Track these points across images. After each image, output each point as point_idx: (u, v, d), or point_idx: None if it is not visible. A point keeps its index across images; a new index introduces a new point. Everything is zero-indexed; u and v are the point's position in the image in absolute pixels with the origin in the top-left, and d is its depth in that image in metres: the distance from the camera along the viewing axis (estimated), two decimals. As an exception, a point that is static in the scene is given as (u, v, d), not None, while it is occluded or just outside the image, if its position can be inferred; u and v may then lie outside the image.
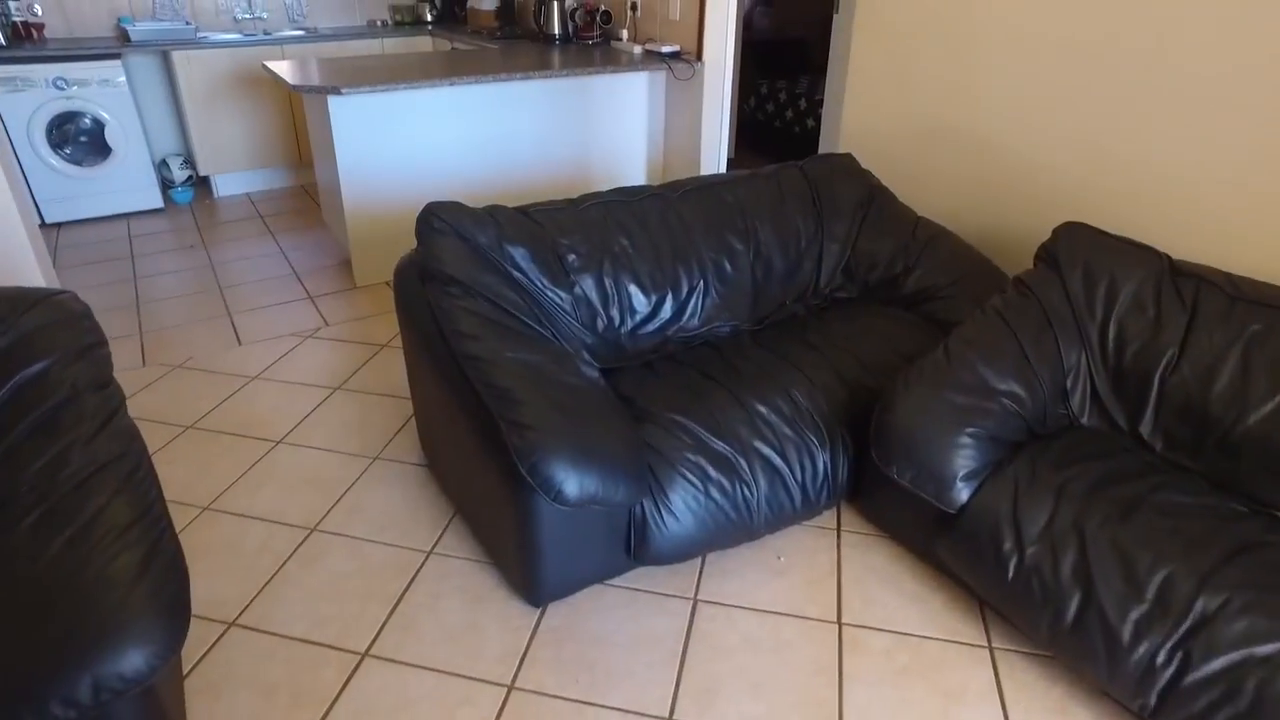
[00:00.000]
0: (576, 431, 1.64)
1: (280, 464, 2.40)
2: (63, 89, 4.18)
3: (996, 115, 2.65)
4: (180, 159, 4.98)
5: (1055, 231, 2.15)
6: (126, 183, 4.50)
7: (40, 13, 4.56)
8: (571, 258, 2.18)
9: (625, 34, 4.10)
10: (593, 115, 3.86)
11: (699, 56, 3.73)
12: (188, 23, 4.71)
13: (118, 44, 4.41)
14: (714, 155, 3.96)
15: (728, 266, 2.45)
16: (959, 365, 1.94)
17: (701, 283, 2.37)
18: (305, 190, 5.04)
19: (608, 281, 2.21)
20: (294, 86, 3.03)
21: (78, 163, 4.38)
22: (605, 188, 4.31)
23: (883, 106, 3.02)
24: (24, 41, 4.44)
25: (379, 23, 5.30)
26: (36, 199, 4.34)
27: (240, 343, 3.10)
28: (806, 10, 6.88)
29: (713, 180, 2.57)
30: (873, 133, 3.10)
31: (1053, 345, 1.99)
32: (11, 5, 4.43)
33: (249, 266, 3.84)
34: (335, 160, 3.30)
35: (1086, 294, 2.01)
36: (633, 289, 2.25)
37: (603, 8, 4.18)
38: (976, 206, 2.80)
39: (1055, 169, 2.55)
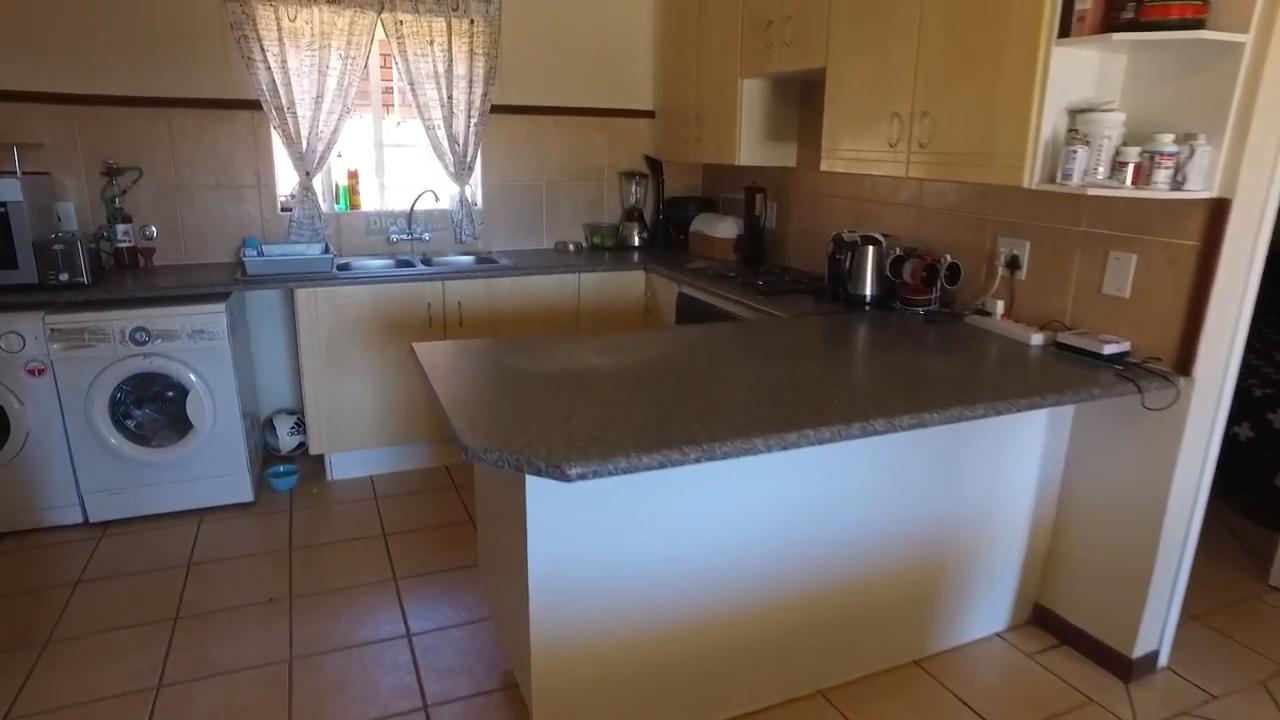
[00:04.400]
0: None
1: None
2: (142, 343, 2.92)
3: None
4: (292, 420, 3.64)
5: None
6: (206, 470, 3.12)
7: (155, 234, 3.45)
8: None
9: (998, 306, 2.48)
10: (952, 459, 2.18)
11: (1182, 369, 2.03)
12: (327, 249, 3.48)
13: (230, 278, 3.16)
14: (1181, 527, 2.17)
15: None
16: None
17: None
18: (450, 475, 3.56)
19: None
20: (472, 451, 1.47)
21: (144, 442, 3.05)
22: (960, 565, 2.37)
23: None
24: (126, 270, 3.31)
25: (571, 247, 3.98)
26: (81, 490, 2.99)
27: None
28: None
29: None
30: None
31: None
32: (119, 229, 3.32)
33: (347, 668, 2.24)
34: (525, 563, 1.70)
35: None
36: None
37: (948, 259, 2.60)
38: None
39: None
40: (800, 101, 3.43)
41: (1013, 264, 2.49)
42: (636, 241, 4.05)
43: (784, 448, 1.54)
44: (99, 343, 2.88)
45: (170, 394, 3.14)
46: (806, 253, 3.49)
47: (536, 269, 3.49)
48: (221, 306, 2.98)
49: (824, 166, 2.85)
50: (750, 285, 3.03)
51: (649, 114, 4.11)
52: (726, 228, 3.70)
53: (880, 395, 1.79)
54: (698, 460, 1.47)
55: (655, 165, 4.13)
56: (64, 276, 2.91)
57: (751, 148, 3.38)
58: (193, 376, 3.00)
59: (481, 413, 1.62)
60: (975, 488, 2.25)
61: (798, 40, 2.92)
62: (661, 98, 4.03)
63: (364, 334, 3.29)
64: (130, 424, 3.07)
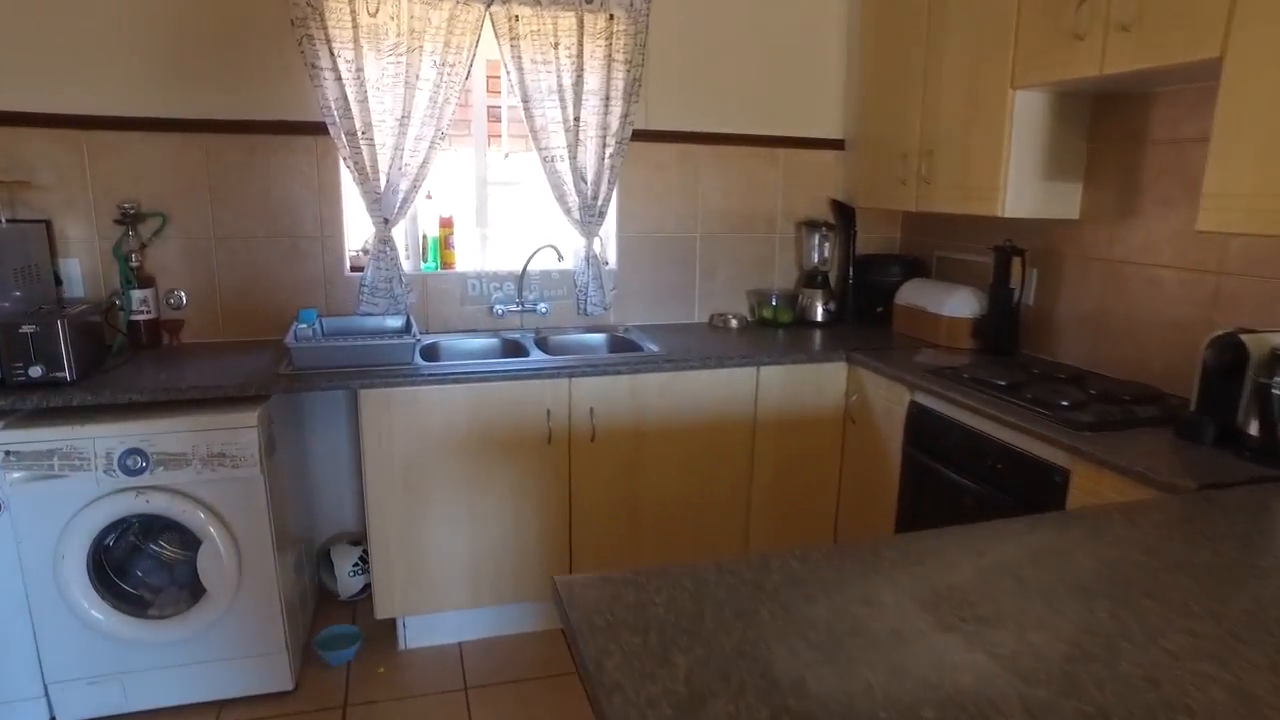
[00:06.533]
0: None
1: None
2: (136, 471, 1.99)
3: None
4: (356, 554, 2.68)
5: None
6: (225, 649, 2.16)
7: (184, 301, 2.57)
8: None
9: None
10: None
11: None
12: (409, 324, 2.54)
13: (273, 369, 2.23)
14: None
15: None
16: None
17: None
18: (566, 643, 2.53)
19: None
20: None
21: (140, 608, 2.11)
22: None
23: None
24: (143, 352, 2.44)
25: (734, 322, 2.93)
26: (46, 680, 2.07)
27: None
28: None
29: None
30: None
31: None
32: (135, 296, 2.46)
33: None
34: None
35: None
36: None
37: None
38: None
39: None
40: (1090, 125, 2.34)
41: None
42: (820, 315, 2.98)
43: None
44: (75, 471, 1.96)
45: (157, 567, 2.22)
46: (1096, 346, 2.36)
47: (699, 361, 2.44)
48: (253, 417, 2.04)
49: (1202, 225, 1.72)
50: (1048, 405, 1.90)
51: (837, 144, 3.05)
52: (959, 303, 2.60)
53: None
54: None
55: (844, 213, 3.06)
56: (35, 371, 2.01)
57: (1021, 191, 2.29)
58: (204, 519, 2.05)
59: None
60: None
61: (1150, 19, 1.82)
62: (860, 120, 2.97)
63: (455, 453, 2.30)
64: (125, 589, 2.13)
